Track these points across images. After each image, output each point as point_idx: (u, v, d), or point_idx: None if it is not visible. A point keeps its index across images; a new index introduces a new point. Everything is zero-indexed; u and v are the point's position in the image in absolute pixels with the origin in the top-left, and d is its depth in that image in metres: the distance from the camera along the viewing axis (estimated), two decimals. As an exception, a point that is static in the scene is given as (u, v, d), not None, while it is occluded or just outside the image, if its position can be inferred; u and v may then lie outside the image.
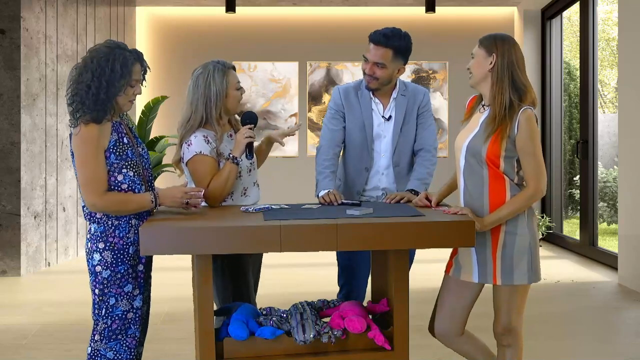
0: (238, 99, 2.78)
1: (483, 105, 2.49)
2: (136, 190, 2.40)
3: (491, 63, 2.40)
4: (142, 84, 2.44)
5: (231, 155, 2.67)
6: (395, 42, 2.90)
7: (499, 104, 2.37)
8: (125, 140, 2.40)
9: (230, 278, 2.69)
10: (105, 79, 2.30)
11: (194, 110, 2.72)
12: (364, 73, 2.96)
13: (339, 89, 3.08)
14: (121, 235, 2.37)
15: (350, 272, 3.06)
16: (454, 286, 2.52)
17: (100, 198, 2.28)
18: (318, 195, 2.86)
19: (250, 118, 2.77)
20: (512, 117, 2.36)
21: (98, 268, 2.34)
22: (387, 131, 3.01)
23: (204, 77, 2.71)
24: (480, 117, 2.47)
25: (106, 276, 2.34)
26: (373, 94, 3.02)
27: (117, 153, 2.36)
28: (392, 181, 3.02)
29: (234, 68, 2.80)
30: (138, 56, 2.39)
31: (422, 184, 2.94)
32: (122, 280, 2.35)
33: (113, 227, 2.36)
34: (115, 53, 2.32)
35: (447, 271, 2.55)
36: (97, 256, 2.34)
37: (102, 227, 2.35)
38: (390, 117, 3.01)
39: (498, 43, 2.41)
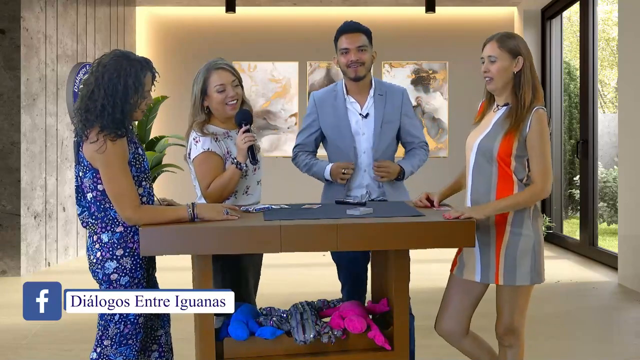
0: (219, 100, 2.69)
1: (498, 106, 2.48)
2: (151, 202, 2.39)
3: (516, 66, 2.39)
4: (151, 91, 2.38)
5: (235, 160, 2.65)
6: (363, 27, 3.00)
7: (523, 104, 2.37)
8: (140, 150, 2.37)
9: (229, 280, 2.68)
10: (119, 97, 2.24)
11: (192, 107, 2.74)
12: (347, 66, 2.97)
13: (313, 95, 3.14)
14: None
15: (344, 270, 3.07)
16: (459, 285, 2.52)
17: (135, 212, 2.23)
18: (328, 175, 2.95)
19: (243, 117, 2.69)
20: (526, 116, 2.36)
21: (114, 276, 2.29)
22: (366, 128, 3.01)
23: (195, 76, 2.74)
24: (493, 116, 2.46)
25: (124, 283, 2.30)
26: (347, 93, 3.03)
27: (137, 165, 2.33)
28: (372, 179, 3.02)
29: (225, 67, 2.72)
30: (148, 65, 2.33)
31: (410, 169, 3.02)
32: (138, 285, 2.32)
33: (132, 233, 2.31)
34: (126, 68, 2.26)
35: (451, 270, 2.55)
36: (112, 264, 2.29)
37: (119, 234, 2.30)
38: (367, 114, 3.02)
39: (520, 44, 2.40)
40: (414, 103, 8.19)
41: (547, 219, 7.57)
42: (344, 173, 2.93)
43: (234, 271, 2.70)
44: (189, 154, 2.73)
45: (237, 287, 2.67)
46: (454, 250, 2.57)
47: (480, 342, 2.58)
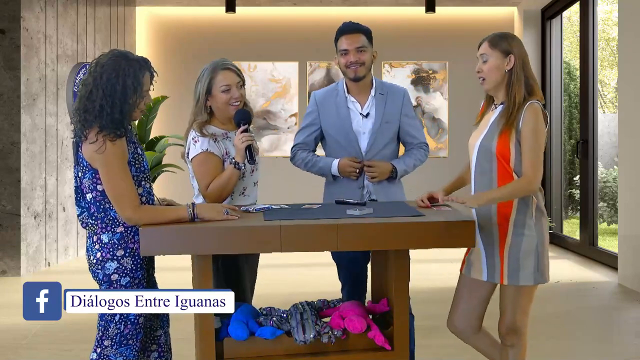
0: (223, 101, 2.70)
1: (495, 105, 2.49)
2: (151, 202, 2.38)
3: (508, 64, 2.40)
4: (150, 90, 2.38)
5: (234, 160, 2.65)
6: (363, 27, 2.99)
7: (514, 102, 2.39)
8: (139, 150, 2.36)
9: (224, 280, 2.68)
10: (117, 97, 2.23)
11: (195, 106, 2.73)
12: (347, 67, 2.97)
13: (314, 94, 3.13)
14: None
15: (344, 270, 3.07)
16: (468, 284, 2.55)
17: (135, 212, 2.22)
18: (336, 170, 2.92)
19: (242, 117, 2.68)
20: (519, 112, 2.38)
21: (115, 277, 2.28)
22: (366, 128, 3.01)
23: (199, 75, 2.73)
24: (491, 116, 2.48)
25: (124, 283, 2.29)
26: (348, 92, 3.03)
27: (137, 165, 2.32)
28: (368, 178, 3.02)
29: (230, 68, 2.72)
30: (146, 64, 2.33)
31: (404, 167, 2.99)
32: (139, 285, 2.32)
33: (132, 233, 2.30)
34: (124, 68, 2.25)
35: (461, 269, 2.58)
36: (113, 265, 2.28)
37: (119, 235, 2.29)
38: (368, 114, 3.02)
39: (512, 43, 2.42)
40: (414, 103, 8.20)
41: (548, 219, 7.58)
42: (358, 171, 2.92)
43: (231, 272, 2.70)
44: (188, 153, 2.74)
45: (233, 288, 2.67)
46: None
47: (493, 340, 2.59)
